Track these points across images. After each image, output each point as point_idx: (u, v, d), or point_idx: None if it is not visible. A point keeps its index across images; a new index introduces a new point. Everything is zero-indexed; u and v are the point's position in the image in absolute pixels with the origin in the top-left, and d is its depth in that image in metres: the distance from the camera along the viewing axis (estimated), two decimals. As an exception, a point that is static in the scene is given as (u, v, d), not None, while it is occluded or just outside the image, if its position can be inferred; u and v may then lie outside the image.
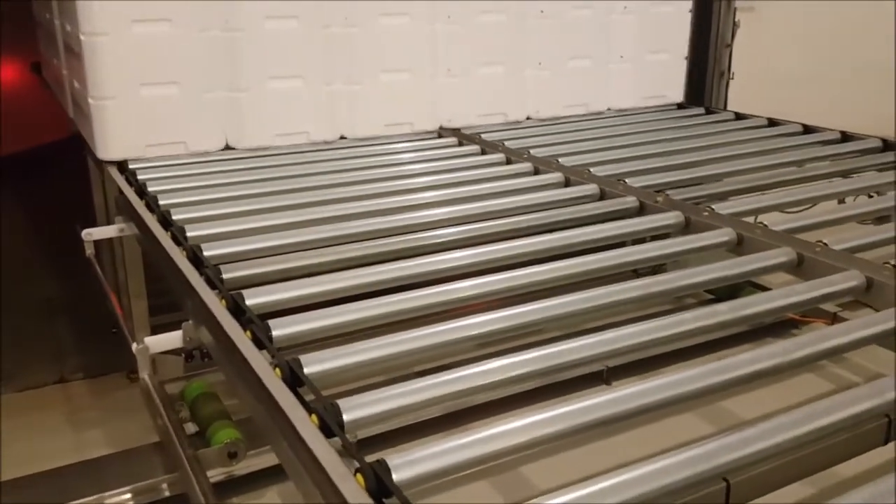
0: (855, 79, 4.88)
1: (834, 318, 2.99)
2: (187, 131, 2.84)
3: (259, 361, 1.38)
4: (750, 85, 4.04)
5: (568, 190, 2.58)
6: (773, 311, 1.74)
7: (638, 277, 1.89)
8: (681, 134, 3.33)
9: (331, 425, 1.18)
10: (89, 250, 2.55)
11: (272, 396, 1.28)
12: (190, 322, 1.81)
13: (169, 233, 2.10)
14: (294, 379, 1.33)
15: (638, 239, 2.27)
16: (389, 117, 3.19)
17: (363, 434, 1.23)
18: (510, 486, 2.34)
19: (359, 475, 1.07)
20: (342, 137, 3.12)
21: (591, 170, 2.70)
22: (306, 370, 1.36)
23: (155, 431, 2.45)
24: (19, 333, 3.51)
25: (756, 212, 2.35)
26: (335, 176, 2.69)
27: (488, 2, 3.27)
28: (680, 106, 3.91)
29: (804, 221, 2.20)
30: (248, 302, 1.64)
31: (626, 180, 2.58)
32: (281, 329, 1.53)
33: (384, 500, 1.04)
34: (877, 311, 1.68)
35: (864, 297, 1.82)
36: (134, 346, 1.91)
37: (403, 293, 1.73)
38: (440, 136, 3.28)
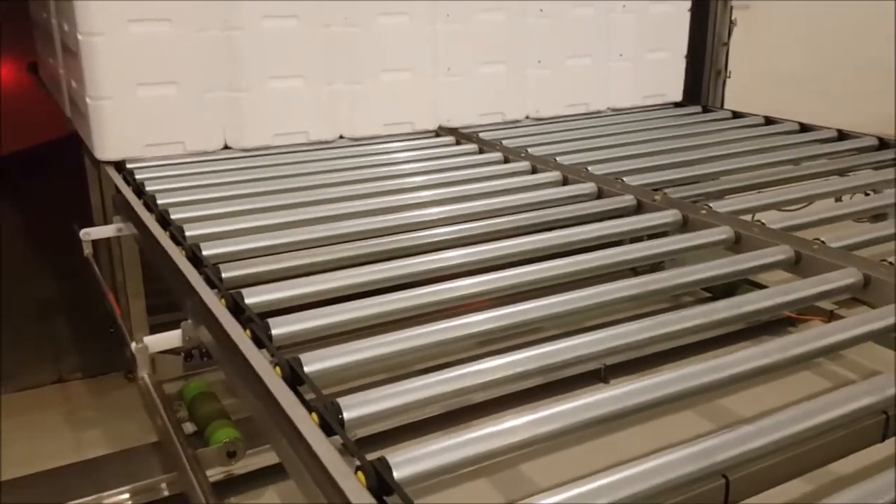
0: (851, 77, 4.89)
1: (831, 316, 3.00)
2: (186, 131, 2.83)
3: (259, 360, 1.39)
4: (746, 83, 4.04)
5: (566, 188, 2.59)
6: (771, 309, 1.74)
7: (636, 276, 1.89)
8: (678, 132, 3.34)
9: (331, 423, 1.18)
10: (87, 250, 2.54)
11: (272, 395, 1.28)
12: (189, 321, 1.81)
13: (168, 232, 2.10)
14: (294, 377, 1.34)
15: (636, 237, 2.27)
16: (389, 117, 3.18)
17: (361, 433, 1.24)
18: (509, 484, 2.34)
19: (360, 473, 1.08)
20: (341, 137, 3.12)
21: (589, 168, 2.71)
22: (306, 369, 1.36)
23: (153, 431, 2.45)
24: (17, 333, 3.50)
25: (753, 210, 2.36)
26: (333, 175, 2.69)
27: (488, 1, 3.26)
28: (677, 105, 3.91)
29: (801, 219, 2.21)
30: (248, 301, 1.65)
31: (624, 179, 2.58)
32: (280, 328, 1.53)
33: (385, 497, 1.05)
34: (873, 308, 1.68)
35: (862, 295, 1.82)
36: (133, 345, 1.91)
37: (402, 292, 1.74)
38: (437, 136, 3.28)
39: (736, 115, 3.68)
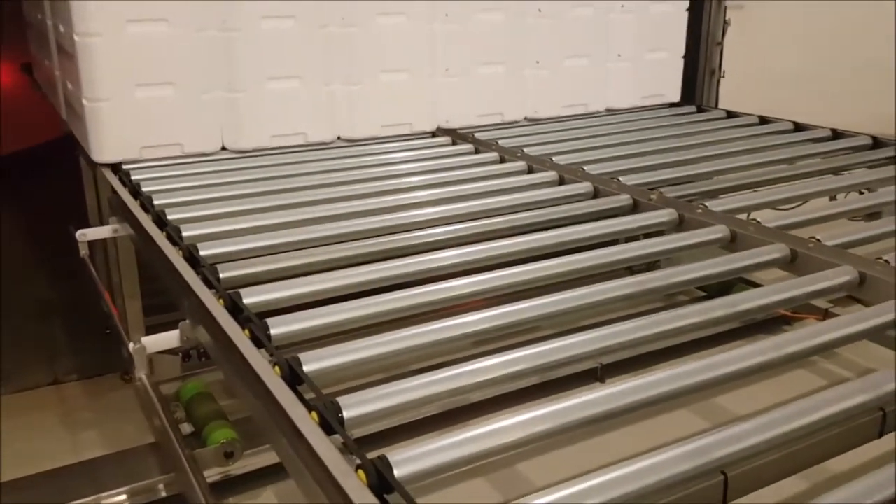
0: (844, 77, 4.91)
1: (825, 315, 3.02)
2: (183, 133, 2.82)
3: (258, 360, 1.39)
4: (740, 83, 4.05)
5: (562, 188, 2.59)
6: (766, 307, 1.75)
7: (632, 275, 1.90)
8: (673, 132, 3.35)
9: (331, 422, 1.19)
10: (83, 251, 2.54)
11: (272, 394, 1.28)
12: (187, 321, 1.81)
13: (164, 233, 2.11)
14: (293, 377, 1.34)
15: (631, 236, 2.28)
16: (387, 118, 3.17)
17: (359, 433, 1.24)
18: (507, 483, 2.35)
19: (360, 471, 1.08)
20: (339, 138, 3.11)
21: (585, 168, 2.72)
22: (305, 368, 1.37)
23: (150, 432, 2.45)
24: (13, 335, 3.50)
25: (749, 209, 2.37)
26: (329, 175, 2.69)
27: (486, 1, 3.26)
28: (672, 104, 3.92)
29: (796, 218, 2.22)
30: (246, 301, 1.65)
31: (620, 178, 2.59)
32: (279, 327, 1.53)
33: (386, 496, 1.05)
34: (869, 306, 1.69)
35: (857, 292, 1.83)
36: (130, 345, 1.91)
37: (400, 291, 1.74)
38: (433, 136, 3.28)
39: (730, 114, 3.69)
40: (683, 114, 3.76)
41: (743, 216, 2.24)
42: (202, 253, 1.94)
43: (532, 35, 3.41)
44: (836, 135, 3.25)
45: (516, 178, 2.70)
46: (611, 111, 3.74)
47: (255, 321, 1.53)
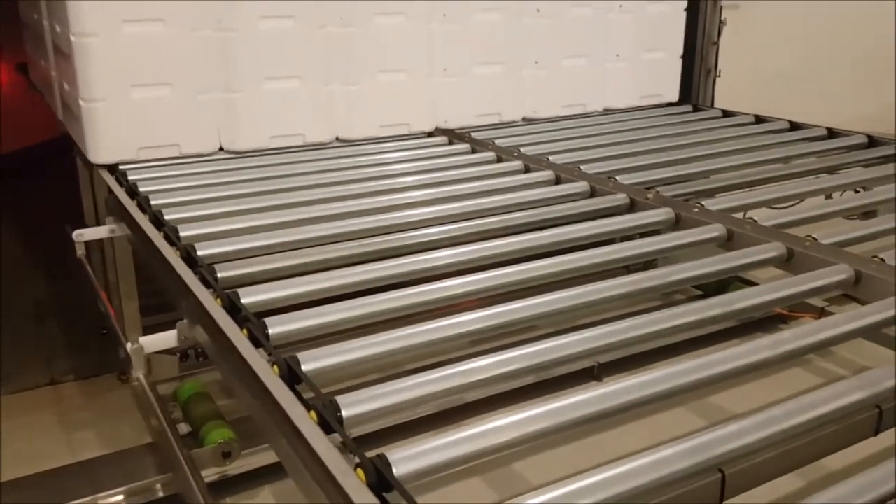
0: (840, 76, 4.92)
1: (821, 313, 3.02)
2: (180, 133, 2.80)
3: (256, 359, 1.39)
4: (735, 82, 4.06)
5: (558, 187, 2.60)
6: (764, 305, 1.76)
7: (629, 274, 1.90)
8: (670, 131, 3.35)
9: (330, 421, 1.19)
10: (80, 251, 2.54)
11: (270, 394, 1.28)
12: (185, 321, 1.81)
13: (162, 233, 2.11)
14: (292, 376, 1.34)
15: (628, 235, 2.29)
16: (386, 118, 3.17)
17: (356, 433, 1.24)
18: (503, 482, 2.35)
19: (359, 470, 1.08)
20: (337, 139, 3.11)
21: (582, 167, 2.72)
22: (304, 367, 1.37)
23: (147, 432, 2.45)
24: (9, 335, 3.49)
25: (745, 208, 2.38)
26: (326, 175, 2.69)
27: (484, 1, 3.26)
28: (668, 104, 3.93)
29: (792, 217, 2.23)
30: (244, 300, 1.65)
31: (617, 177, 2.59)
32: (277, 327, 1.53)
33: (385, 494, 1.05)
34: (864, 304, 1.70)
35: (853, 291, 1.84)
36: (128, 345, 1.91)
37: (397, 291, 1.74)
38: (430, 136, 3.28)
39: (726, 113, 3.70)
40: (679, 113, 3.77)
41: (739, 215, 2.25)
42: (200, 253, 1.94)
43: (530, 35, 3.41)
44: (832, 134, 3.26)
45: (513, 178, 2.70)
46: (609, 111, 3.74)
47: (253, 321, 1.54)
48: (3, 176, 5.40)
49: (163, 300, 2.41)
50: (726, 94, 4.02)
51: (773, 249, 2.00)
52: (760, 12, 4.45)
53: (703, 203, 2.31)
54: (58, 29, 2.81)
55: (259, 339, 1.47)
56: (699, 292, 3.20)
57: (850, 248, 1.97)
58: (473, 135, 3.24)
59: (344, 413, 1.23)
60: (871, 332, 1.62)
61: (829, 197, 2.62)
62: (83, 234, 2.52)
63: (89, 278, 2.80)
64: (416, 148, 3.11)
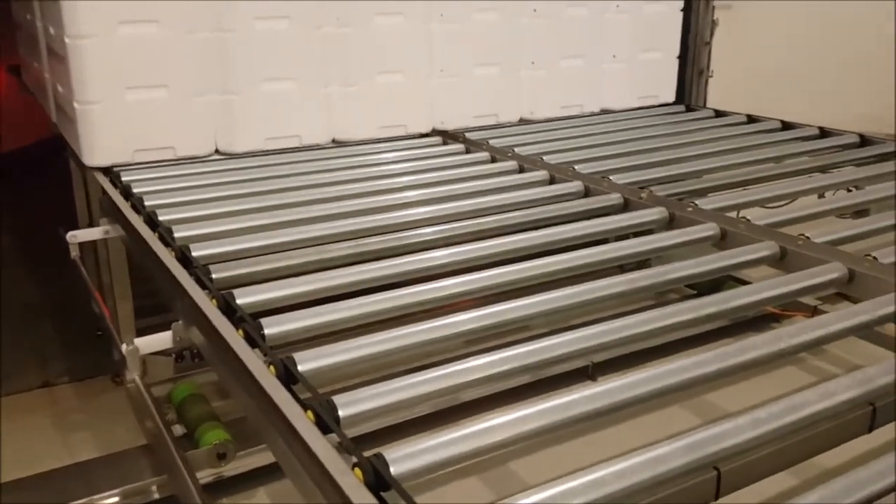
0: (832, 76, 4.94)
1: (814, 312, 3.03)
2: (176, 136, 2.79)
3: (253, 360, 1.39)
4: (728, 82, 4.08)
5: (553, 187, 2.60)
6: (758, 303, 1.76)
7: (623, 273, 1.91)
8: (663, 131, 3.36)
9: (327, 421, 1.19)
10: (74, 252, 2.54)
11: (267, 394, 1.28)
12: (180, 322, 1.81)
13: (156, 234, 2.10)
14: (288, 376, 1.34)
15: (622, 235, 2.29)
16: (383, 119, 3.16)
17: (352, 433, 1.25)
18: (500, 482, 2.36)
19: (357, 469, 1.08)
20: (334, 140, 3.10)
21: (576, 167, 2.73)
22: (300, 367, 1.37)
23: (142, 434, 2.45)
24: (2, 337, 3.49)
25: (738, 207, 2.38)
26: (320, 176, 2.69)
27: (482, 1, 3.25)
28: (661, 104, 3.93)
29: (785, 216, 2.24)
30: (239, 301, 1.65)
31: (611, 177, 2.60)
32: (273, 327, 1.54)
33: (382, 493, 1.06)
34: (857, 303, 1.71)
35: (846, 289, 1.85)
36: (123, 347, 1.91)
37: (392, 291, 1.74)
38: (423, 136, 3.28)
39: (718, 113, 3.71)
40: (672, 113, 3.78)
41: (733, 214, 2.26)
42: (195, 254, 1.93)
43: (527, 35, 3.41)
44: (824, 133, 3.28)
45: (507, 178, 2.71)
46: (606, 112, 3.74)
47: (248, 321, 1.54)
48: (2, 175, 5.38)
49: (156, 302, 2.41)
50: (718, 94, 4.04)
51: (766, 248, 2.00)
52: (752, 12, 4.46)
53: (696, 202, 2.32)
54: (52, 30, 2.80)
55: (255, 339, 1.47)
56: (693, 292, 3.21)
57: (843, 246, 1.98)
58: (468, 135, 3.24)
59: (341, 413, 1.24)
60: (865, 330, 1.63)
61: (821, 196, 2.63)
62: (77, 236, 2.51)
63: (83, 280, 2.79)
64: (411, 148, 3.11)
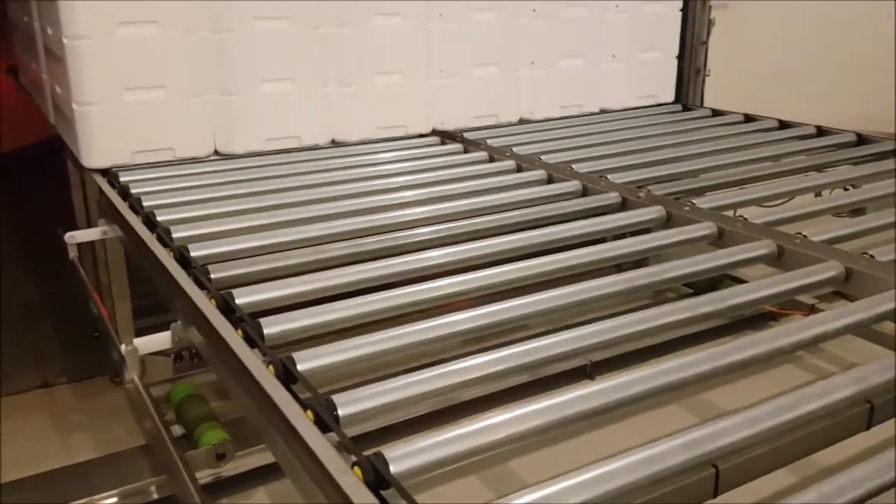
0: (828, 76, 4.95)
1: (811, 311, 3.04)
2: (175, 137, 2.79)
3: (252, 360, 1.40)
4: (724, 82, 4.08)
5: (550, 186, 2.61)
6: (755, 302, 1.77)
7: (620, 272, 1.91)
8: (660, 131, 3.37)
9: (326, 420, 1.20)
10: (72, 253, 2.54)
11: (267, 394, 1.29)
12: (178, 323, 1.82)
13: (154, 234, 2.11)
14: (287, 376, 1.35)
15: (620, 234, 2.30)
16: (383, 120, 3.16)
17: (351, 433, 1.25)
18: (498, 480, 2.36)
19: (356, 468, 1.09)
20: (334, 141, 3.09)
21: (574, 166, 2.73)
22: (299, 367, 1.37)
23: (141, 434, 2.45)
24: (2, 338, 3.49)
25: (735, 206, 2.39)
26: (318, 176, 2.70)
27: (480, 1, 3.25)
28: (658, 104, 3.94)
29: (782, 214, 2.24)
30: (238, 301, 1.65)
31: (608, 176, 2.61)
32: (272, 327, 1.54)
33: (382, 492, 1.06)
34: (854, 301, 1.71)
35: (843, 287, 1.85)
36: (122, 347, 1.91)
37: (391, 290, 1.75)
38: (421, 136, 3.29)
39: (715, 112, 3.72)
40: (670, 112, 3.78)
41: (730, 213, 2.26)
42: (193, 254, 1.94)
43: (527, 35, 3.41)
44: (821, 132, 3.28)
45: (505, 178, 2.71)
46: (605, 112, 3.74)
47: (248, 321, 1.54)
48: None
49: (154, 302, 2.41)
50: (715, 93, 4.04)
51: (763, 247, 2.01)
52: (749, 12, 4.47)
53: (693, 201, 2.32)
54: (49, 31, 2.79)
55: (254, 339, 1.48)
56: (690, 291, 3.21)
57: (840, 244, 1.98)
58: (466, 135, 3.24)
59: (340, 412, 1.24)
60: (862, 329, 1.64)
61: (818, 195, 2.64)
62: (75, 237, 2.51)
63: (82, 280, 2.79)
64: (409, 148, 3.11)
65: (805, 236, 2.00)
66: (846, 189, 2.65)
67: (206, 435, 2.34)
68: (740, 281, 2.71)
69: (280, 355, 1.38)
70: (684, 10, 3.89)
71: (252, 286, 1.74)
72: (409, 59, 3.16)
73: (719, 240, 2.15)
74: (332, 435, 1.18)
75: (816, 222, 2.22)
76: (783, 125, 3.42)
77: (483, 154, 2.98)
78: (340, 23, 2.96)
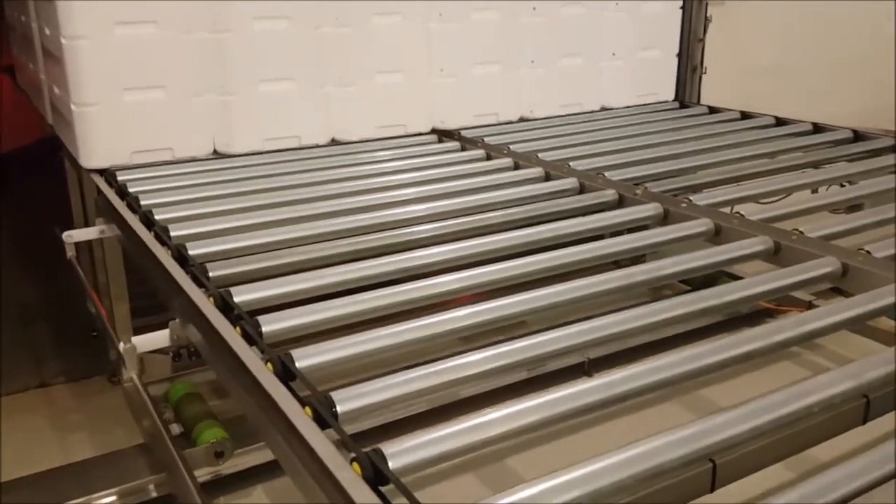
0: (825, 73, 4.96)
1: (808, 307, 3.04)
2: (174, 137, 2.78)
3: (251, 357, 1.40)
4: (721, 78, 4.09)
5: (548, 184, 2.61)
6: (753, 297, 1.78)
7: (618, 269, 1.91)
8: (657, 128, 3.37)
9: (325, 417, 1.20)
10: (70, 252, 2.54)
11: (265, 391, 1.29)
12: (177, 321, 1.82)
13: (152, 233, 2.11)
14: (286, 373, 1.35)
15: (617, 231, 2.30)
16: (383, 119, 3.15)
17: (350, 431, 1.25)
18: (498, 478, 2.36)
19: (355, 464, 1.09)
20: (334, 140, 3.09)
21: (571, 164, 2.74)
22: (298, 364, 1.38)
23: (139, 434, 2.45)
24: (0, 338, 3.49)
25: (732, 202, 2.40)
26: (316, 174, 2.70)
27: (480, 0, 3.25)
28: (659, 102, 3.93)
29: (779, 211, 2.25)
30: (236, 299, 1.66)
31: (605, 174, 2.61)
32: (271, 325, 1.54)
33: (381, 487, 1.06)
34: (850, 297, 1.72)
35: (840, 283, 1.86)
36: (121, 345, 1.91)
37: (389, 288, 1.75)
38: (420, 134, 3.29)
39: (712, 110, 3.72)
40: (666, 110, 3.79)
41: (727, 210, 2.27)
42: (191, 252, 1.94)
43: (527, 34, 3.40)
44: (817, 129, 3.29)
45: (502, 175, 2.72)
46: (606, 110, 3.74)
47: (246, 319, 1.54)
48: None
49: (152, 302, 2.41)
50: (712, 90, 4.05)
51: (760, 243, 2.02)
52: (745, 10, 4.48)
53: (690, 198, 2.33)
54: (47, 31, 2.78)
55: (252, 336, 1.48)
56: (687, 288, 3.21)
57: (837, 240, 1.99)
58: (463, 133, 3.24)
59: (339, 408, 1.25)
60: (859, 324, 1.64)
61: (815, 191, 2.65)
62: (73, 236, 2.51)
63: (79, 280, 2.79)
64: (406, 146, 3.11)
65: (802, 232, 2.00)
66: (843, 185, 2.66)
67: (204, 433, 2.34)
68: (737, 278, 2.72)
69: (278, 353, 1.39)
70: (681, 7, 3.89)
71: (250, 284, 1.75)
72: (410, 59, 3.15)
73: (716, 236, 2.16)
74: (331, 432, 1.18)
75: (813, 219, 2.23)
76: (780, 122, 3.43)
77: (480, 152, 2.98)
78: (340, 22, 2.95)
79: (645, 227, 2.28)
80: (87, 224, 2.99)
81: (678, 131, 3.29)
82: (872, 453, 1.11)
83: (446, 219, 2.27)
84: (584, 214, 2.32)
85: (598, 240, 2.11)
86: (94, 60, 2.59)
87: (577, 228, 2.22)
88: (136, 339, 1.86)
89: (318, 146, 3.04)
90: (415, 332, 1.56)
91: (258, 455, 2.39)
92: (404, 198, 2.47)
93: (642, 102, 3.84)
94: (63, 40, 2.57)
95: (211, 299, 1.65)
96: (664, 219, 2.30)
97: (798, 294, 3.00)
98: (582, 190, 2.56)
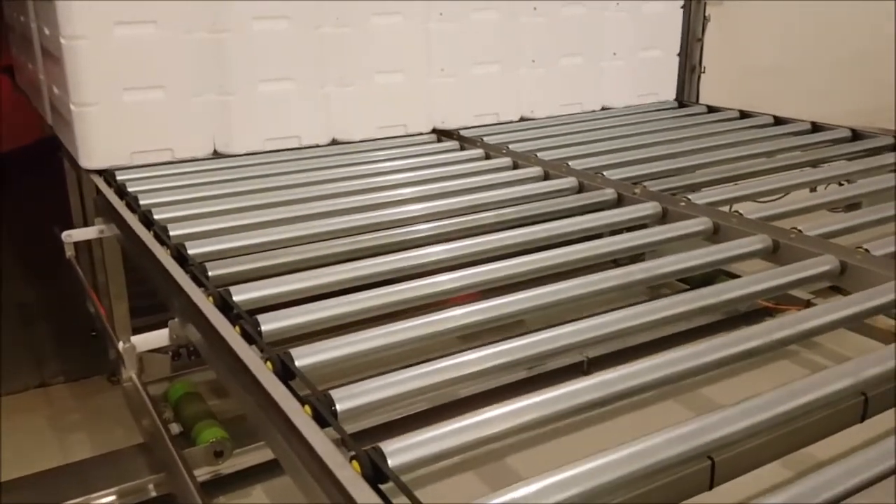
0: (823, 73, 4.96)
1: (807, 306, 3.05)
2: (174, 137, 2.77)
3: (250, 356, 1.40)
4: (719, 78, 4.09)
5: (547, 183, 2.61)
6: (752, 296, 1.78)
7: (617, 268, 1.92)
8: (656, 127, 3.37)
9: (325, 415, 1.20)
10: (69, 252, 2.54)
11: (265, 390, 1.29)
12: (176, 320, 1.82)
13: (152, 232, 2.11)
14: (286, 372, 1.35)
15: (616, 230, 2.30)
16: (383, 119, 3.15)
17: (349, 430, 1.25)
18: (497, 476, 2.37)
19: (355, 462, 1.09)
20: (334, 140, 3.08)
21: (570, 163, 2.74)
22: (297, 363, 1.38)
23: (138, 433, 2.46)
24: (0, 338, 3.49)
25: (731, 201, 2.40)
26: (315, 174, 2.70)
27: (480, 0, 3.25)
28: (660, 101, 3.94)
29: (778, 210, 2.25)
30: (236, 298, 1.66)
31: (604, 173, 2.61)
32: (270, 324, 1.55)
33: (380, 485, 1.07)
34: (849, 295, 1.72)
35: (838, 281, 1.86)
36: (120, 344, 1.91)
37: (388, 287, 1.75)
38: (419, 134, 3.29)
39: (711, 109, 3.72)
40: (666, 109, 3.79)
41: (725, 208, 2.27)
42: (190, 252, 1.94)
43: (527, 34, 3.40)
44: (816, 128, 3.29)
45: (501, 175, 2.72)
46: (606, 110, 3.74)
47: (245, 318, 1.55)
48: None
49: (151, 302, 2.41)
50: (711, 89, 4.05)
51: (759, 242, 2.02)
52: (744, 9, 4.48)
53: (689, 197, 2.33)
54: (46, 31, 2.77)
55: (252, 336, 1.48)
56: (686, 286, 3.22)
57: (835, 239, 1.99)
58: (463, 133, 3.24)
59: (338, 407, 1.25)
60: (857, 322, 1.64)
61: (813, 190, 2.65)
62: (72, 235, 2.51)
63: (79, 279, 2.79)
64: (405, 146, 3.11)
65: (800, 231, 2.01)
66: (841, 184, 2.66)
67: (204, 433, 2.35)
68: (736, 277, 2.72)
69: (278, 352, 1.39)
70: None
71: (250, 283, 1.75)
72: (410, 59, 3.15)
73: (715, 235, 2.16)
74: (331, 430, 1.18)
75: (811, 217, 2.23)
76: (778, 121, 3.43)
77: (479, 151, 2.99)
78: (340, 22, 2.94)
79: (643, 226, 2.28)
80: (86, 224, 2.99)
81: (677, 130, 3.29)
82: (870, 451, 1.12)
83: (445, 218, 2.27)
84: (582, 214, 2.32)
85: (597, 239, 2.12)
86: (93, 60, 2.58)
87: (576, 227, 2.22)
88: (135, 339, 1.86)
89: (318, 146, 3.04)
90: (414, 330, 1.56)
91: (258, 454, 2.39)
92: (402, 197, 2.47)
93: (643, 102, 3.84)
94: (62, 40, 2.56)
95: (210, 298, 1.66)
96: (663, 218, 2.30)
97: (796, 292, 3.01)
98: (581, 189, 2.57)
